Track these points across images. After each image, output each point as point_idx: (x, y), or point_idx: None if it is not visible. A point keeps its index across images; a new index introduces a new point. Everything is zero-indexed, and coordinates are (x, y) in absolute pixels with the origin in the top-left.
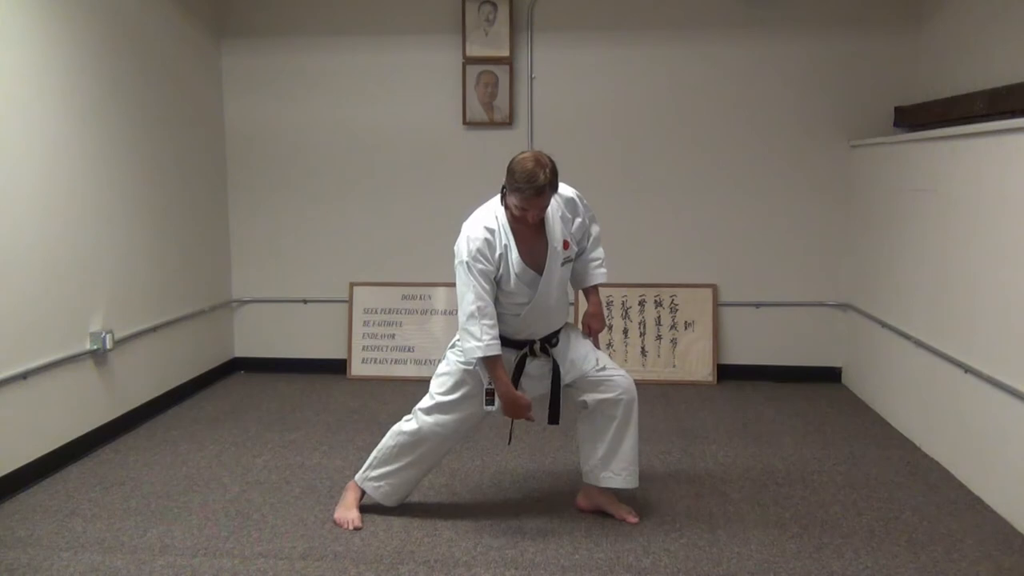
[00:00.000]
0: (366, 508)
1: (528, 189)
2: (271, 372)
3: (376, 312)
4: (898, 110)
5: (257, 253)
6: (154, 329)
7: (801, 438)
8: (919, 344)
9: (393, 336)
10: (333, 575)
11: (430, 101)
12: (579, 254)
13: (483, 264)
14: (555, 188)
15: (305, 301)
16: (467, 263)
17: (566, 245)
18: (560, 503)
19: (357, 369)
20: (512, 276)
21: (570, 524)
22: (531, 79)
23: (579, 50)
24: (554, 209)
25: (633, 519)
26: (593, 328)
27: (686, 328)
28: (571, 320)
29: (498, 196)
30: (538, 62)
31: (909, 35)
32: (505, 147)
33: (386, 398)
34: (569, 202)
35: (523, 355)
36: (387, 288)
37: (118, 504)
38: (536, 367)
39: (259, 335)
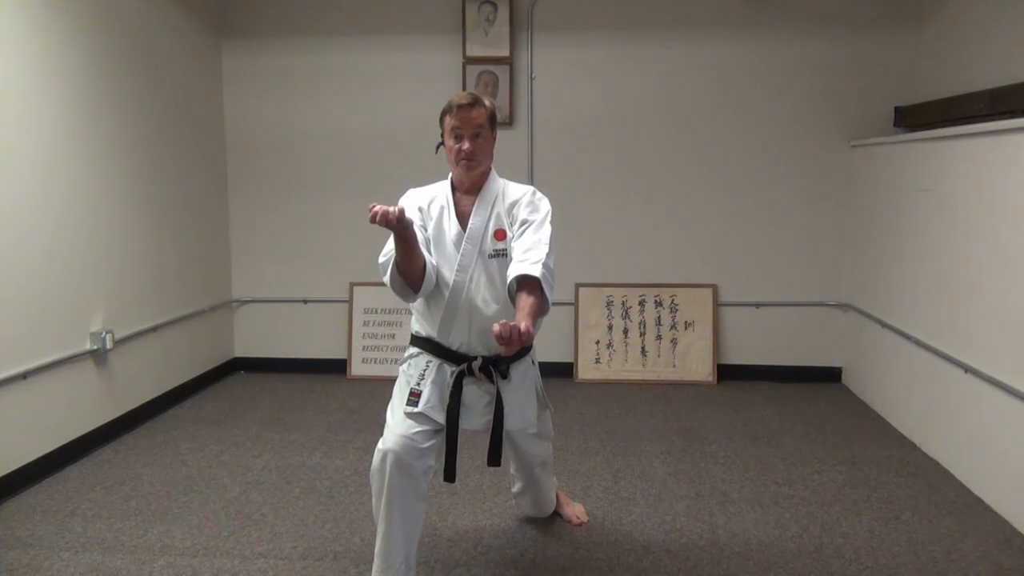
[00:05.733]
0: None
1: (456, 100)
2: (271, 372)
3: (376, 312)
4: (898, 110)
5: (257, 253)
6: (154, 329)
7: (801, 438)
8: (919, 344)
9: (393, 336)
10: (333, 575)
11: (430, 101)
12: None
13: (407, 205)
14: (492, 114)
15: (305, 301)
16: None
17: (500, 235)
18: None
19: (357, 369)
20: (447, 240)
21: (570, 524)
22: (531, 79)
23: (579, 50)
24: (501, 193)
25: (577, 521)
26: (497, 328)
27: (686, 328)
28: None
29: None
30: (538, 62)
31: (909, 35)
32: (505, 147)
33: (386, 398)
34: (529, 193)
35: (460, 372)
36: (387, 288)
37: (118, 504)
38: (473, 395)
39: (259, 335)
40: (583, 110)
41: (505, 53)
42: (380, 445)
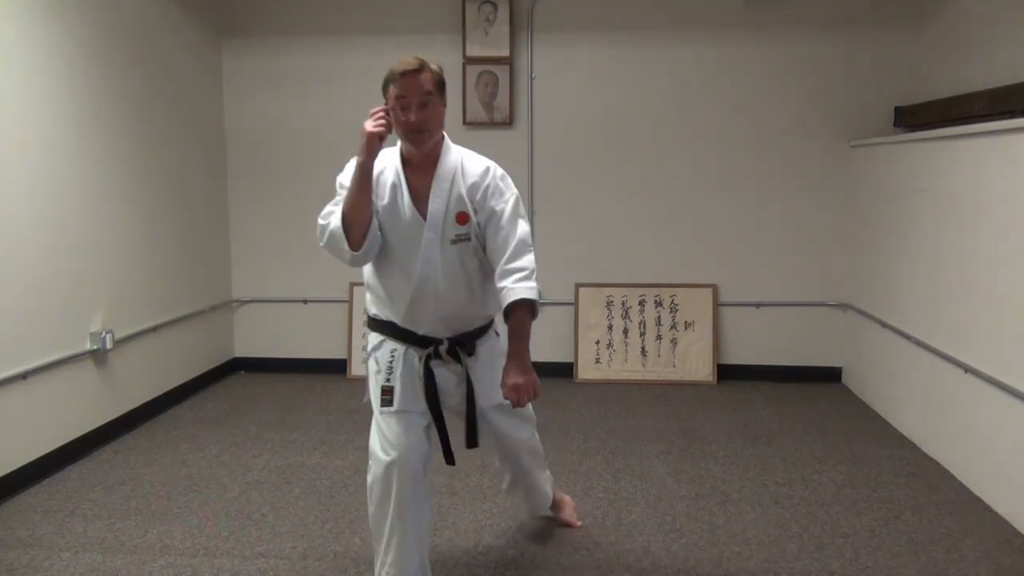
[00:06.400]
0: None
1: (399, 67)
2: (271, 372)
3: None
4: (898, 110)
5: (257, 253)
6: (154, 329)
7: (801, 438)
8: (919, 344)
9: None
10: (333, 575)
11: None
12: (483, 247)
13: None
14: (440, 79)
15: (305, 301)
16: (339, 181)
17: (462, 219)
18: None
19: (357, 369)
20: (403, 224)
21: (572, 527)
22: (531, 79)
23: (579, 50)
24: (459, 167)
25: (575, 524)
26: (515, 395)
27: (686, 328)
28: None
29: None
30: (538, 62)
31: (909, 35)
32: (505, 147)
33: None
34: (488, 172)
35: (427, 356)
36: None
37: (118, 504)
38: (444, 378)
39: (259, 335)
40: (583, 110)
41: (505, 53)
42: (380, 454)
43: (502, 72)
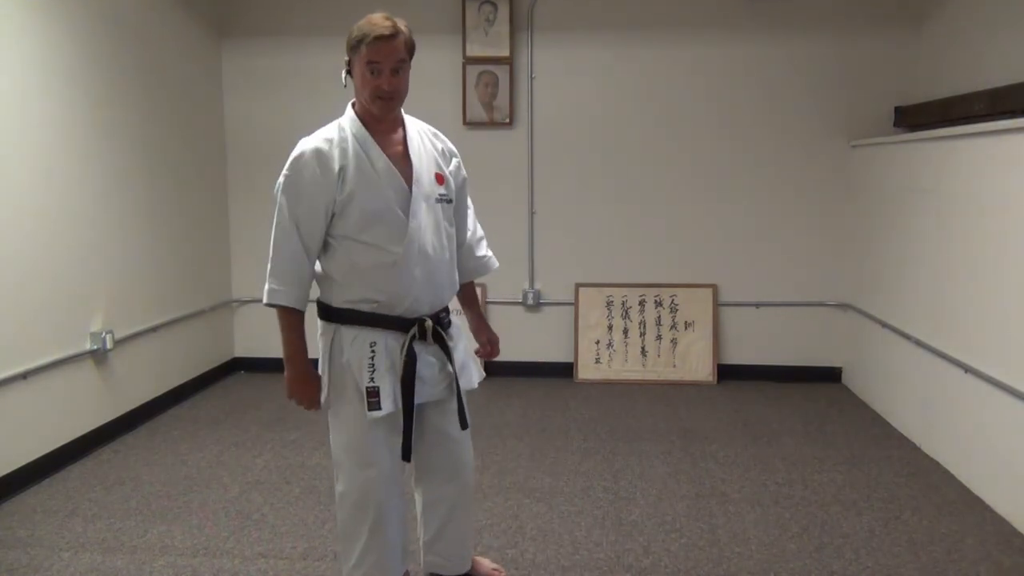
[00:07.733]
0: None
1: (373, 30)
2: (271, 372)
3: None
4: (898, 110)
5: (257, 253)
6: (154, 329)
7: (801, 438)
8: (919, 344)
9: None
10: (333, 575)
11: (430, 101)
12: (457, 223)
13: (310, 185)
14: (411, 43)
15: None
16: (285, 178)
17: (440, 179)
18: (560, 503)
19: None
20: (381, 186)
21: (570, 524)
22: (531, 79)
23: (579, 50)
24: (420, 131)
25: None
26: (493, 344)
27: (686, 328)
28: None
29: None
30: (538, 62)
31: (909, 35)
32: (505, 147)
33: None
34: (438, 136)
35: (411, 339)
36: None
37: (118, 504)
38: (428, 365)
39: (259, 335)
40: (583, 110)
41: (505, 53)
42: (357, 470)
43: (502, 72)
